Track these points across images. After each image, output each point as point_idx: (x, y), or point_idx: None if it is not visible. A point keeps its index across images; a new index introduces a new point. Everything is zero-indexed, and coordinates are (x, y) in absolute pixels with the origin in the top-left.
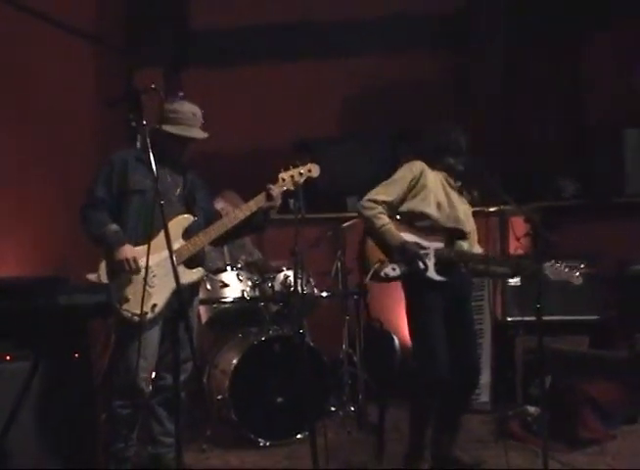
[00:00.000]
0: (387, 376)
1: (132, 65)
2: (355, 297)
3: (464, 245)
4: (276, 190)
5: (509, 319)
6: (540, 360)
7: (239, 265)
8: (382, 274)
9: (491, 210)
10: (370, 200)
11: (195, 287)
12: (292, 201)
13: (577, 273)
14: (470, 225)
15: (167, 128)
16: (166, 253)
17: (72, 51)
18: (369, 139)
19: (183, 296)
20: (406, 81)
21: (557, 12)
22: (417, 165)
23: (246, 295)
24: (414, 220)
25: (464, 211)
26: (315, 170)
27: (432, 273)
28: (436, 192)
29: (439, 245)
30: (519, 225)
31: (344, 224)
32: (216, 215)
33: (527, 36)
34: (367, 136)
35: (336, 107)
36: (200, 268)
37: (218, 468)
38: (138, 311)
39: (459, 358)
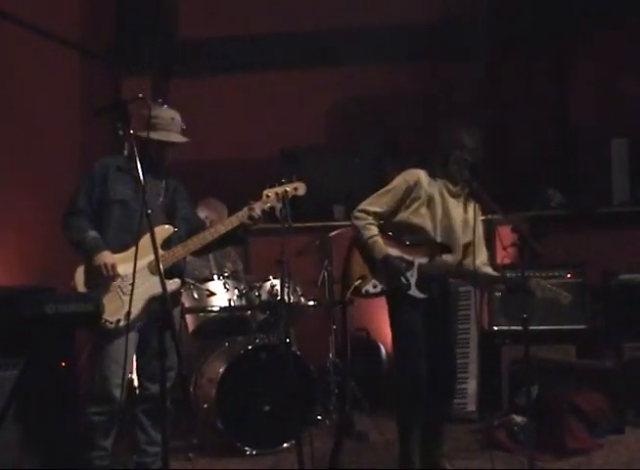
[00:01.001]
0: (373, 384)
1: (119, 74)
2: (341, 306)
3: (449, 258)
4: (258, 207)
5: (495, 328)
6: (527, 370)
7: (225, 274)
8: (362, 291)
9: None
10: (361, 210)
11: (173, 297)
12: (278, 208)
13: (566, 293)
14: (468, 235)
15: (150, 135)
16: (144, 262)
17: (58, 60)
18: (355, 148)
19: (169, 305)
20: (391, 91)
21: (540, 20)
22: (412, 174)
23: (232, 304)
24: (406, 232)
25: (463, 220)
26: (301, 189)
27: (413, 290)
28: (432, 202)
29: (423, 260)
30: (506, 235)
31: (331, 233)
32: (199, 224)
33: (512, 47)
34: (353, 145)
35: (322, 116)
36: (177, 279)
37: None
38: (112, 319)
39: (437, 365)
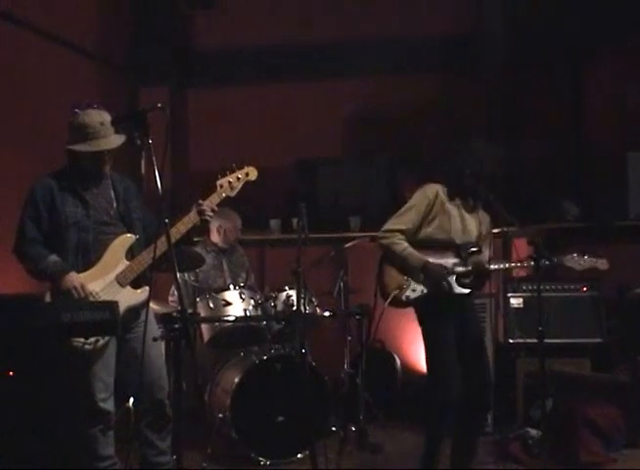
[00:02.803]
0: (388, 396)
1: (136, 84)
2: (357, 317)
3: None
4: (213, 200)
5: (510, 341)
6: (542, 383)
7: (241, 284)
8: (402, 298)
9: (494, 231)
10: (385, 230)
11: (143, 306)
12: (295, 220)
13: (602, 259)
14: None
15: (77, 147)
16: (112, 275)
17: (76, 70)
18: (371, 160)
19: (186, 315)
20: (408, 103)
21: (557, 34)
22: (432, 189)
23: (248, 313)
24: (432, 247)
25: (478, 236)
26: (252, 173)
27: (456, 288)
28: (452, 216)
29: (455, 260)
30: (522, 247)
31: (347, 244)
32: (153, 221)
33: (528, 61)
34: (369, 157)
35: (338, 127)
36: (146, 287)
37: None
38: (89, 340)
39: (471, 378)
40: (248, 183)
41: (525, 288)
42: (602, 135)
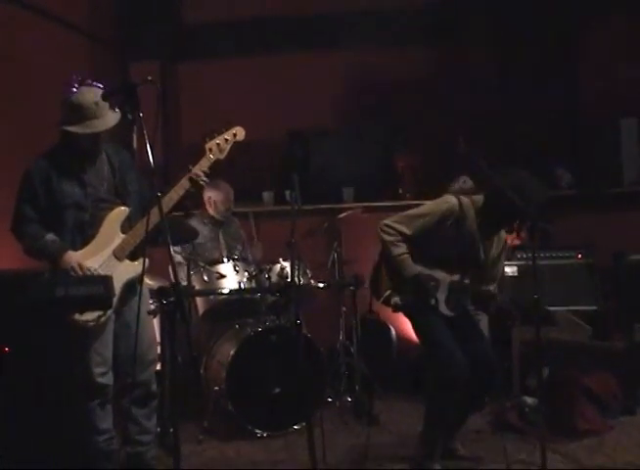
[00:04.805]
0: (384, 367)
1: (126, 59)
2: (351, 288)
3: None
4: (203, 164)
5: None
6: (538, 352)
7: (235, 256)
8: (392, 302)
9: None
10: (390, 226)
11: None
12: (288, 192)
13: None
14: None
15: (73, 129)
16: (108, 251)
17: (66, 45)
18: (364, 131)
19: (179, 287)
20: (402, 74)
21: (548, 2)
22: (449, 205)
23: (242, 286)
24: (427, 248)
25: (492, 258)
26: (240, 134)
27: (442, 308)
28: (463, 235)
29: (454, 277)
30: None
31: (340, 215)
32: (148, 193)
33: (517, 28)
34: (362, 128)
35: (331, 98)
36: (143, 259)
37: (215, 459)
38: (91, 317)
39: (475, 357)
40: (236, 144)
41: (519, 256)
42: (595, 102)
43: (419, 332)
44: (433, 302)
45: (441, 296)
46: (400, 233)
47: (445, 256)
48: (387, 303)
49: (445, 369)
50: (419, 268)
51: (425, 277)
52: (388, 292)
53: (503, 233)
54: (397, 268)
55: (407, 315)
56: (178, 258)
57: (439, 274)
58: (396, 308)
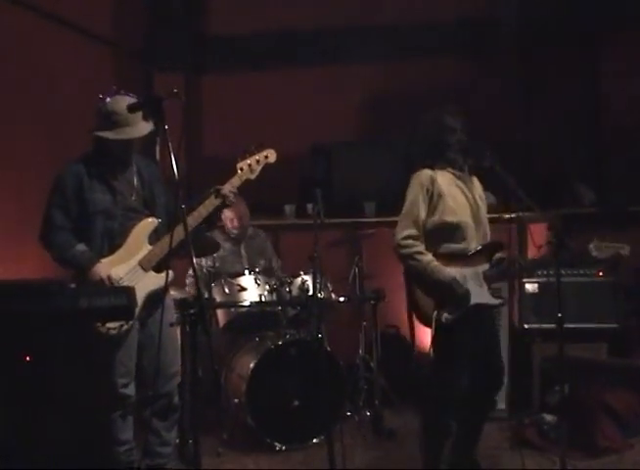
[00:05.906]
0: (403, 381)
1: (150, 69)
2: (372, 302)
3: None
4: (234, 183)
5: (526, 326)
6: (559, 368)
7: (257, 269)
8: (442, 320)
9: (510, 216)
10: (402, 237)
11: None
12: (310, 205)
13: (623, 245)
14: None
15: (107, 134)
16: (134, 261)
17: (90, 55)
18: (386, 144)
19: (202, 299)
20: (423, 87)
21: (573, 16)
22: (423, 176)
23: (263, 299)
24: (447, 234)
25: (479, 199)
26: (272, 156)
27: (488, 299)
28: (453, 194)
29: (485, 267)
30: (537, 232)
31: (363, 232)
32: (172, 207)
33: (543, 43)
34: (384, 141)
35: (353, 112)
36: (170, 271)
37: None
38: (114, 325)
39: (483, 359)
40: (266, 166)
41: (539, 273)
42: (617, 119)
43: (442, 345)
44: (472, 301)
45: (483, 289)
46: (411, 237)
47: (463, 229)
48: (438, 322)
49: (447, 388)
50: (453, 272)
51: (458, 283)
52: (436, 312)
53: (479, 188)
54: (431, 277)
55: (447, 328)
56: (207, 267)
57: (468, 271)
58: (448, 323)
